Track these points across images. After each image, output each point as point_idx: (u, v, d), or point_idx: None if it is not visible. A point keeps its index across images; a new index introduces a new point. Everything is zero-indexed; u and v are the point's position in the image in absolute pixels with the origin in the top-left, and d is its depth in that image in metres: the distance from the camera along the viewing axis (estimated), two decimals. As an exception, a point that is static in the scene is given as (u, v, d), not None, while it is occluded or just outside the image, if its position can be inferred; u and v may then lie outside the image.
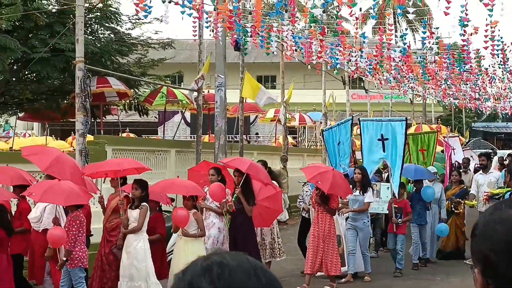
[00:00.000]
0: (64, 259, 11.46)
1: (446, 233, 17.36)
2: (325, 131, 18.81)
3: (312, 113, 42.29)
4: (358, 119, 18.58)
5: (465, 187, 18.81)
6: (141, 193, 12.11)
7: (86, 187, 12.13)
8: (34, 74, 21.02)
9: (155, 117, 38.69)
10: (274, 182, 15.23)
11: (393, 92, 38.83)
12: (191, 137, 33.45)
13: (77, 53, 14.56)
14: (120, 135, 31.71)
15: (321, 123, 35.10)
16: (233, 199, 13.53)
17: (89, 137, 16.89)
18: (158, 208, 13.49)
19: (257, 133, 45.66)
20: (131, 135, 34.04)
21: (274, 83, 54.95)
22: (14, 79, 20.30)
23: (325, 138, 18.37)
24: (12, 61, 18.92)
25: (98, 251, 12.73)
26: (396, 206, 16.15)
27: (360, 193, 15.40)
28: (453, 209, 18.08)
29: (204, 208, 13.51)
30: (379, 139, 16.92)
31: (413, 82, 27.66)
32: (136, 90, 24.08)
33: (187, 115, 37.29)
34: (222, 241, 13.69)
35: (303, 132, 45.80)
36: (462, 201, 18.03)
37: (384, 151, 16.85)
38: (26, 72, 20.78)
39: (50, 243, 11.42)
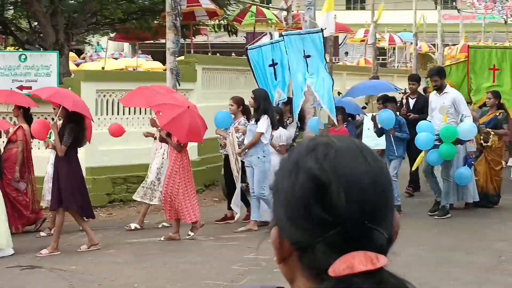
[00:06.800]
0: None
1: (467, 182, 13.63)
2: (251, 50, 15.38)
3: (402, 34, 41.53)
4: (281, 34, 15.55)
5: (501, 112, 14.42)
6: None
7: None
8: (125, -6, 21.23)
9: (244, 37, 38.63)
10: None
11: (486, 12, 37.71)
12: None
13: (168, -29, 14.59)
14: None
15: (411, 43, 34.49)
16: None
17: (180, 58, 17.02)
18: None
19: (346, 52, 45.24)
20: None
21: (363, 3, 54.05)
22: (105, -2, 20.52)
23: (251, 59, 15.11)
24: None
25: None
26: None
27: (254, 122, 12.70)
28: (482, 142, 14.31)
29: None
30: (304, 56, 13.83)
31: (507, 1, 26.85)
32: (226, 10, 24.07)
33: (276, 35, 37.13)
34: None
35: (393, 53, 45.12)
36: (492, 132, 14.26)
37: (308, 71, 13.76)
38: (118, -8, 21.00)
39: None
